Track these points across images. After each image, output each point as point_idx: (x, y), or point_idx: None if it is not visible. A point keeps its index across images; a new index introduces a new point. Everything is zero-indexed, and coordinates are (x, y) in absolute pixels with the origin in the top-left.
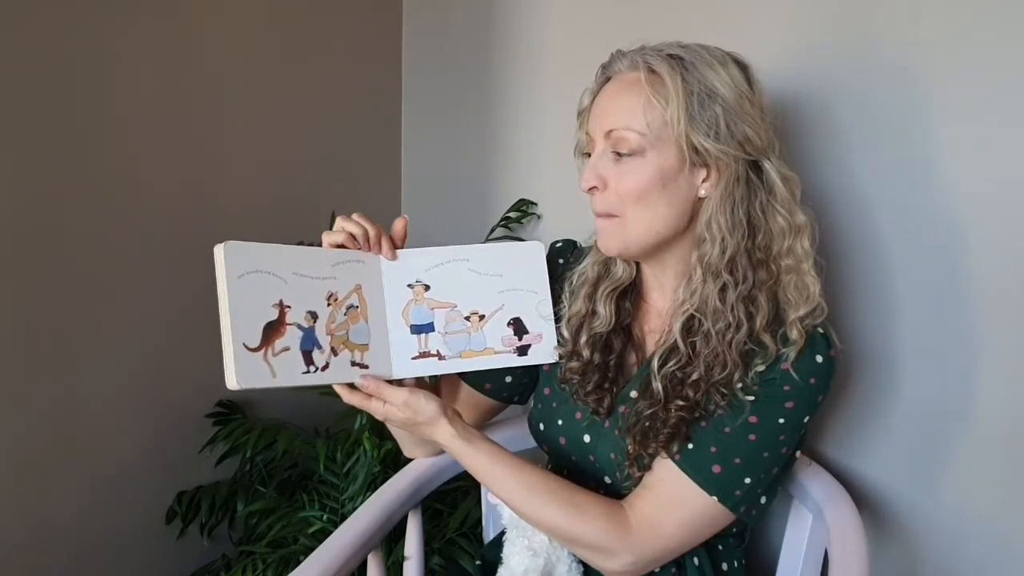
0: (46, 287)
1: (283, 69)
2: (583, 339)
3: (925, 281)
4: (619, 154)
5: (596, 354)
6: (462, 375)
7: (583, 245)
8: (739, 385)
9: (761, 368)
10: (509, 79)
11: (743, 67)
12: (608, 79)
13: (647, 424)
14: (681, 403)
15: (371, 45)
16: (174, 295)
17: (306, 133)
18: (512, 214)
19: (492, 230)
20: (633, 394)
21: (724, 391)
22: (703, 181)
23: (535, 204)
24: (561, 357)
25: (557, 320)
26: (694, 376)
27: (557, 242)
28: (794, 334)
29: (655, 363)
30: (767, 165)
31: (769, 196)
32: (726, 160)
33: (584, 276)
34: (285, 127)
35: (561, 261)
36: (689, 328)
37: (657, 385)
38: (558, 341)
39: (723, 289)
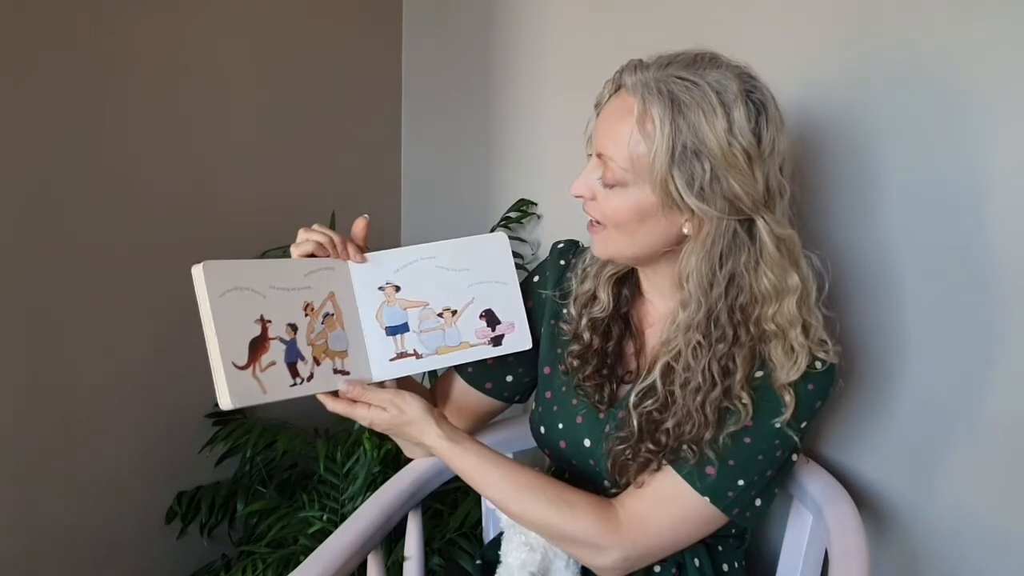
0: (46, 288)
1: (283, 70)
2: (584, 321)
3: (926, 282)
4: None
5: (596, 338)
6: (463, 377)
7: (585, 245)
8: (711, 445)
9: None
10: (509, 79)
11: (758, 109)
12: (618, 88)
13: (621, 458)
14: (651, 446)
15: (371, 46)
16: (175, 296)
17: (306, 134)
18: (512, 214)
19: (492, 230)
20: (633, 399)
21: (694, 448)
22: (685, 221)
23: (535, 204)
24: (567, 337)
25: (564, 298)
26: (667, 424)
27: (559, 243)
28: (787, 398)
29: (632, 399)
30: (759, 223)
31: (759, 256)
32: (707, 216)
33: (594, 258)
34: (285, 128)
35: (563, 262)
36: (668, 372)
37: (633, 422)
38: (567, 320)
39: (697, 347)
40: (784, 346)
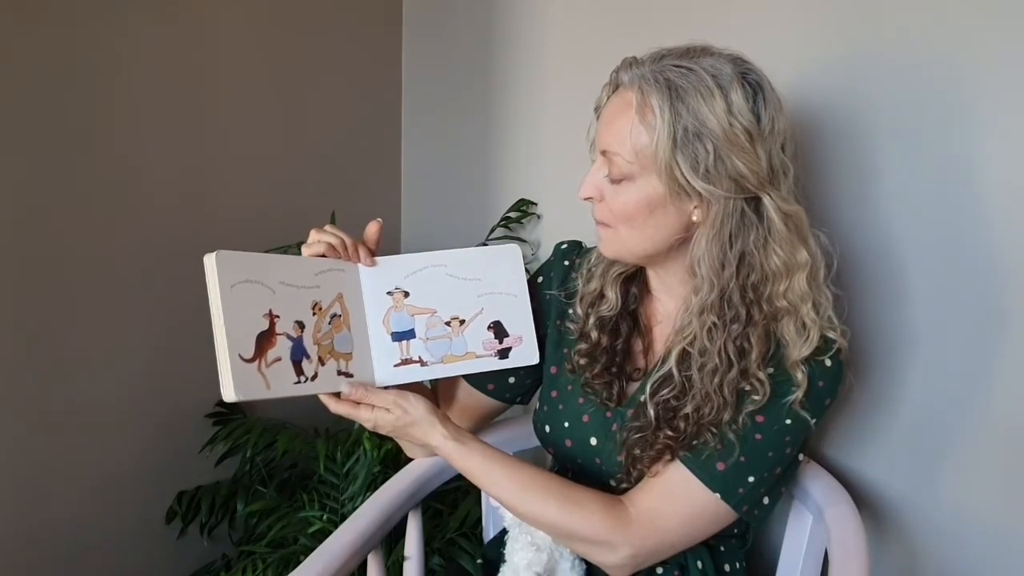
0: (46, 288)
1: (283, 70)
2: (591, 320)
3: (928, 283)
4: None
5: (604, 336)
6: (465, 378)
7: (588, 245)
8: (731, 426)
9: (768, 369)
10: (509, 79)
11: (755, 90)
12: (616, 87)
13: (635, 451)
14: (670, 433)
15: (371, 45)
16: (174, 296)
17: (306, 133)
18: (512, 214)
19: (492, 230)
20: (642, 398)
21: (713, 431)
22: (694, 208)
23: (535, 204)
24: (572, 336)
25: (570, 298)
26: (686, 409)
27: (562, 243)
28: (798, 376)
29: (648, 390)
30: (766, 200)
31: (767, 233)
32: (715, 197)
33: (600, 257)
34: (285, 128)
35: (567, 263)
36: (684, 359)
37: (650, 411)
38: (573, 319)
39: (712, 329)
40: (796, 323)
